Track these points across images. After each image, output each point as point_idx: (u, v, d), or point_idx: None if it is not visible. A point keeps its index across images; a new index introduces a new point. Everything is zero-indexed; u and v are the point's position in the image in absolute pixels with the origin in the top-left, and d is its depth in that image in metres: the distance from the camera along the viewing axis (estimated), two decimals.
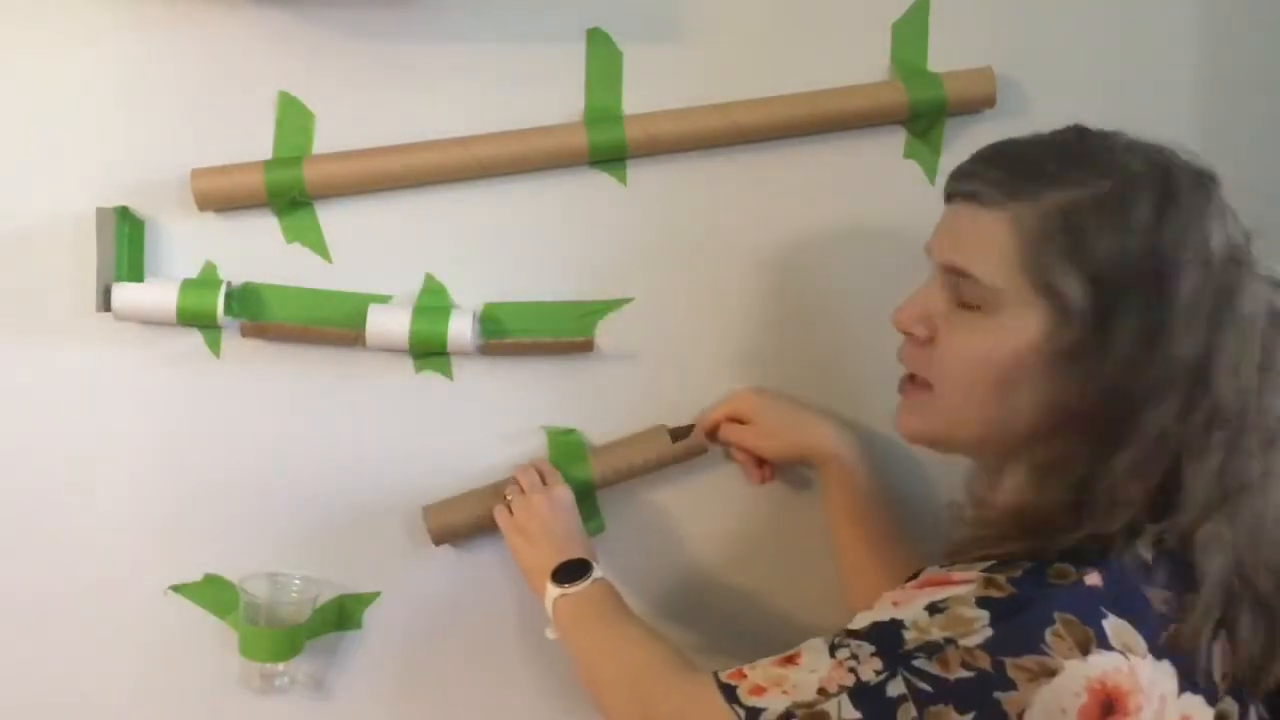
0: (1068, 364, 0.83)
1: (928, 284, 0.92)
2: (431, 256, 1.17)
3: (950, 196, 0.91)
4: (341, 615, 1.19)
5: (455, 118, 1.15)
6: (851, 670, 0.78)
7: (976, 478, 0.94)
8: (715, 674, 0.85)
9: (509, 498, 1.12)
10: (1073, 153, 0.87)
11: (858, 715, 0.77)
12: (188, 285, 1.14)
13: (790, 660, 0.83)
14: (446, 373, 1.18)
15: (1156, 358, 0.81)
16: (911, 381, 0.93)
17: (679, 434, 1.16)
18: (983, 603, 0.78)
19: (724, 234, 1.18)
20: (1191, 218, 0.82)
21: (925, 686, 0.76)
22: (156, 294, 1.13)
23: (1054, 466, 0.85)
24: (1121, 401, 0.81)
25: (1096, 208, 0.83)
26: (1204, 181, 0.85)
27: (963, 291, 0.88)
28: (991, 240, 0.85)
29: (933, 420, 0.91)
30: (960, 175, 0.90)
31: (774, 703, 0.80)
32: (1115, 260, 0.82)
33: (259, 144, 1.16)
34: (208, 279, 1.16)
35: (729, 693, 0.82)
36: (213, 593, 1.18)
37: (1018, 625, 0.76)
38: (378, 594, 1.19)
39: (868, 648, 0.79)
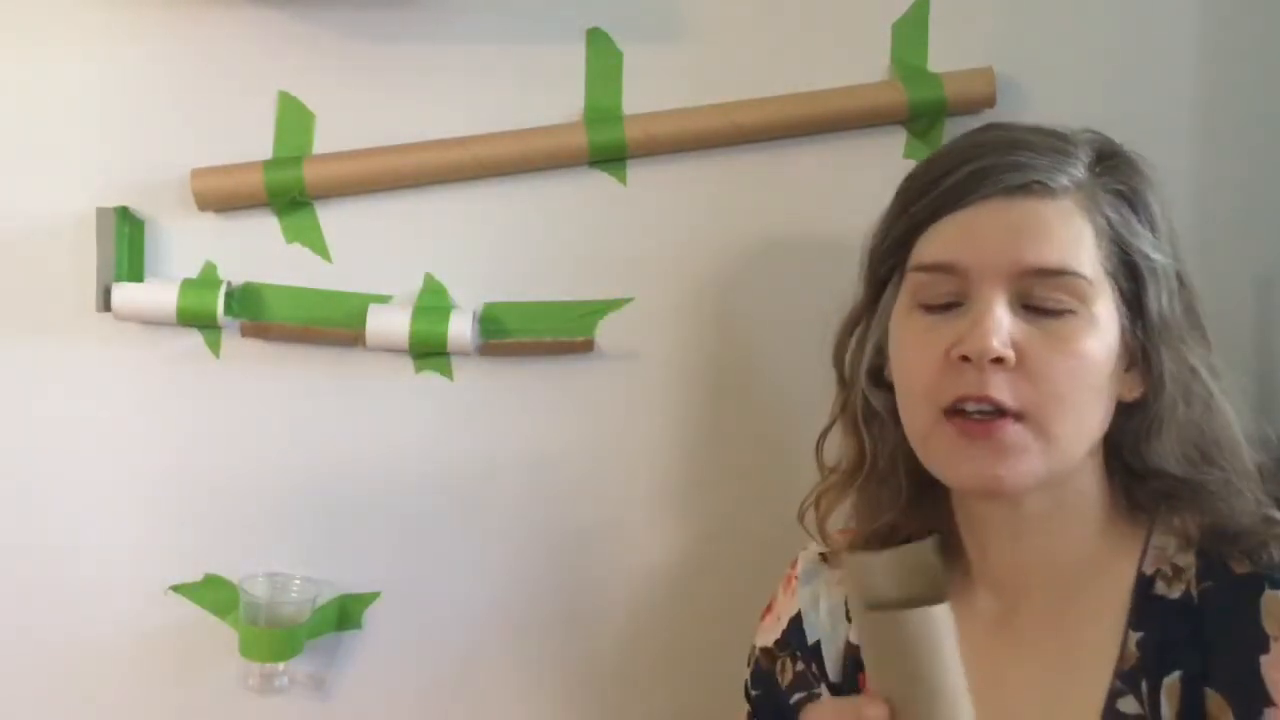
0: (1127, 345, 0.83)
1: (988, 302, 0.80)
2: (431, 256, 1.17)
3: (981, 198, 0.82)
4: (341, 615, 1.19)
5: (455, 118, 1.15)
6: None
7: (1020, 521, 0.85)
8: None
9: None
10: (1063, 134, 0.86)
11: None
12: (188, 285, 1.14)
13: None
14: (446, 373, 1.18)
15: (1193, 317, 0.85)
16: (988, 421, 0.79)
17: None
18: None
19: (724, 234, 1.18)
20: None
21: None
22: (156, 294, 1.13)
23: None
24: (1162, 368, 0.83)
25: (1134, 174, 0.84)
26: None
27: (1044, 296, 0.80)
28: (1076, 229, 0.81)
29: (1041, 457, 0.80)
30: (1007, 169, 0.81)
31: None
32: (1164, 218, 0.85)
33: (259, 144, 1.16)
34: (208, 279, 1.16)
35: None
36: (213, 593, 1.18)
37: None
38: (378, 594, 1.19)
39: None
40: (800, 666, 0.97)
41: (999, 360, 0.79)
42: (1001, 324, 0.79)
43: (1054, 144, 0.83)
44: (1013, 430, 0.79)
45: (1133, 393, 0.84)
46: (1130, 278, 0.82)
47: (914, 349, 0.84)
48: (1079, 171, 0.82)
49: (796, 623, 0.98)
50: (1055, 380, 0.79)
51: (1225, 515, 0.82)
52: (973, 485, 0.83)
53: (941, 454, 0.83)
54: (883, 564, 0.75)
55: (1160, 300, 0.82)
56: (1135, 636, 0.82)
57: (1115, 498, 0.87)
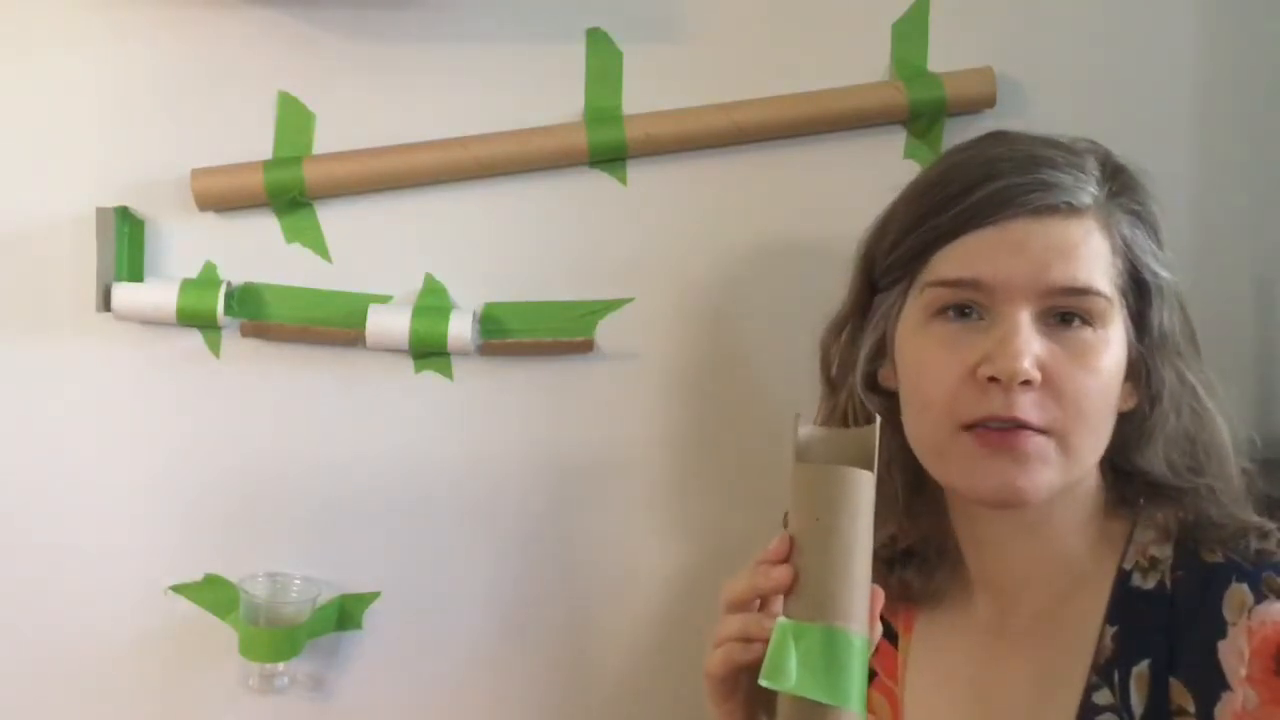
0: (1135, 357, 0.84)
1: (1015, 321, 0.81)
2: (431, 256, 1.17)
3: (1007, 217, 0.82)
4: (341, 615, 1.19)
5: (455, 118, 1.15)
6: None
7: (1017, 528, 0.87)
8: None
9: None
10: (1073, 149, 0.86)
11: None
12: (188, 285, 1.14)
13: None
14: (446, 373, 1.18)
15: (1188, 330, 0.87)
16: (1014, 432, 0.80)
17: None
18: None
19: (724, 234, 1.18)
20: None
21: None
22: (156, 294, 1.13)
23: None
24: (1162, 381, 0.85)
25: (1139, 190, 0.86)
26: None
27: (1069, 314, 0.81)
28: (1097, 248, 0.82)
29: (1062, 470, 0.81)
30: (1033, 188, 0.82)
31: None
32: (1164, 243, 0.86)
33: (259, 144, 1.16)
34: (208, 279, 1.16)
35: None
36: (213, 593, 1.18)
37: None
38: (378, 594, 1.19)
39: None
40: None
41: (1027, 382, 0.79)
42: (1031, 345, 0.80)
43: (1070, 159, 0.84)
44: (1035, 441, 0.80)
45: (1127, 403, 0.85)
46: (1138, 294, 0.84)
47: (932, 364, 0.84)
48: (1095, 189, 0.84)
49: None
50: (1078, 398, 0.80)
51: (1205, 515, 0.84)
52: (993, 497, 0.82)
53: (961, 466, 0.83)
54: (822, 437, 0.79)
55: (1163, 316, 0.84)
56: (1111, 630, 0.83)
57: (1105, 498, 0.88)
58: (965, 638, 0.92)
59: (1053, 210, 0.82)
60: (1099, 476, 0.88)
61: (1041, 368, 0.80)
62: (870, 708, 0.94)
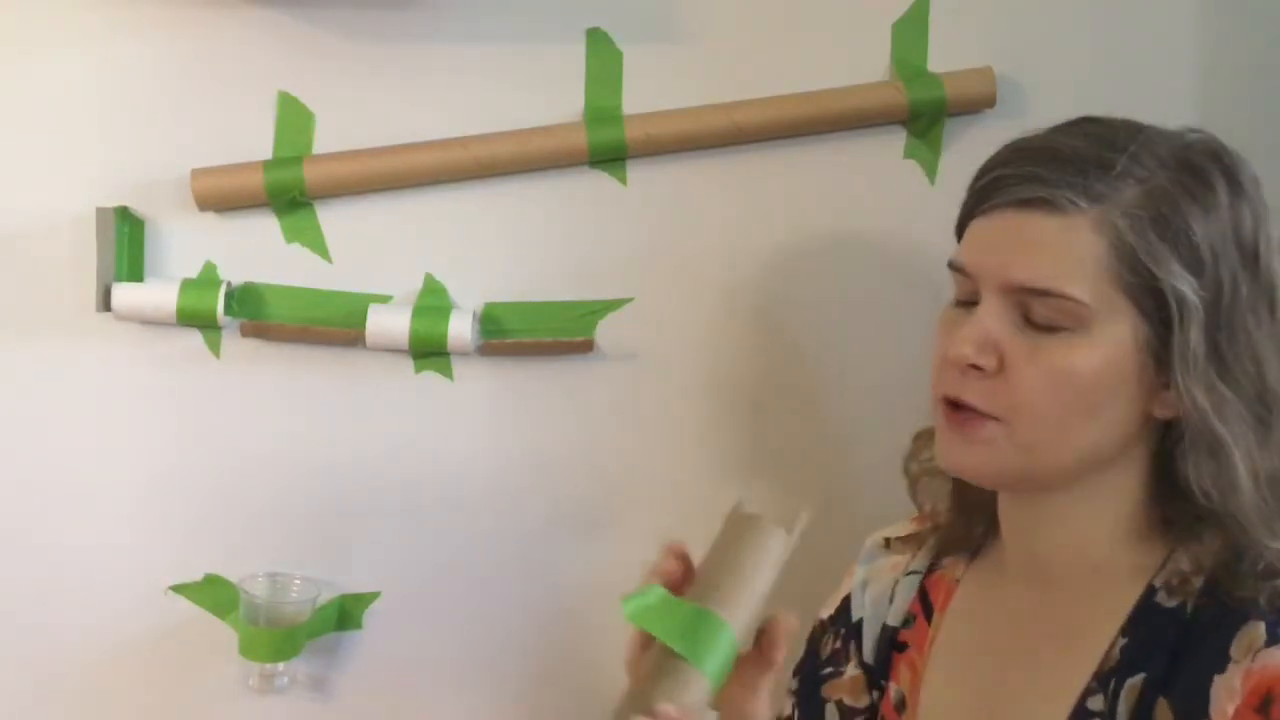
0: (1158, 366, 0.80)
1: (982, 309, 0.82)
2: (431, 256, 1.17)
3: (996, 207, 0.82)
4: (341, 615, 1.19)
5: (455, 118, 1.15)
6: None
7: (1026, 520, 0.88)
8: None
9: None
10: (1119, 143, 0.81)
11: None
12: (188, 285, 1.14)
13: None
14: (446, 373, 1.18)
15: (1258, 339, 0.80)
16: (969, 414, 0.82)
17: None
18: None
19: (724, 234, 1.18)
20: (1253, 194, 0.82)
21: None
22: (156, 294, 1.13)
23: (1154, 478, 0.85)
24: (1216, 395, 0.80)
25: (1181, 194, 0.79)
26: (1239, 162, 0.84)
27: (1039, 312, 0.80)
28: (1078, 250, 0.78)
29: (1013, 457, 0.82)
30: (1020, 180, 0.81)
31: None
32: (1211, 246, 0.79)
33: (259, 144, 1.16)
34: (208, 279, 1.16)
35: None
36: (213, 593, 1.18)
37: None
38: (378, 594, 1.19)
39: None
40: (839, 645, 1.01)
41: (977, 366, 0.81)
42: (977, 334, 0.81)
43: (1098, 155, 0.80)
44: (987, 427, 0.82)
45: (1164, 411, 0.82)
46: (1156, 304, 0.79)
47: (936, 341, 0.87)
48: (1107, 189, 0.79)
49: (847, 601, 1.02)
50: (1031, 393, 0.80)
51: (1245, 545, 0.81)
52: (952, 470, 0.87)
53: (937, 439, 0.87)
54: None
55: (1189, 333, 0.79)
56: (1122, 641, 0.83)
57: (1150, 511, 0.86)
58: (995, 619, 0.92)
59: (1029, 205, 0.80)
60: (1145, 481, 0.85)
61: (1000, 357, 0.81)
62: (895, 677, 0.97)
